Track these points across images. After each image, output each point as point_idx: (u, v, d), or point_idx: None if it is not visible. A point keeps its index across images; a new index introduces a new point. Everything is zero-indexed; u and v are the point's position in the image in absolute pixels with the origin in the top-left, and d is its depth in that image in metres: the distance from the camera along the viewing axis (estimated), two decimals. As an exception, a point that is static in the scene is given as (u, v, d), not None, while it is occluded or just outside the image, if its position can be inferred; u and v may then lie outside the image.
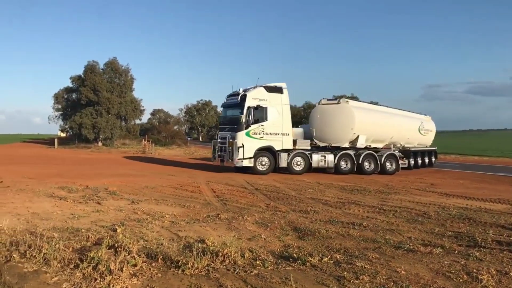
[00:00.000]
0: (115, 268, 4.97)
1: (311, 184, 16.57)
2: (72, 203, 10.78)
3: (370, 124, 23.01)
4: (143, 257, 5.60)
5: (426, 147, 28.71)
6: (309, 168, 21.38)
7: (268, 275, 5.34)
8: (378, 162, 22.60)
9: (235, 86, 22.40)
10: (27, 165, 23.16)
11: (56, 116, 60.15)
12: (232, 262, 5.74)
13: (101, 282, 4.73)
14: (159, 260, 5.64)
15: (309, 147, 22.00)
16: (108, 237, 6.42)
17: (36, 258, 5.31)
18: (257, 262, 5.84)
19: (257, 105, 20.18)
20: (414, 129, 27.06)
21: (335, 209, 10.85)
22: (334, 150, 22.21)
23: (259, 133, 20.28)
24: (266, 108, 20.31)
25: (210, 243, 6.33)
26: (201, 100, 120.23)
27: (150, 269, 5.30)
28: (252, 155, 20.12)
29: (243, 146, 19.86)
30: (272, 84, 21.07)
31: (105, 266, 4.98)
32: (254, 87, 20.97)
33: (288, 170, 20.99)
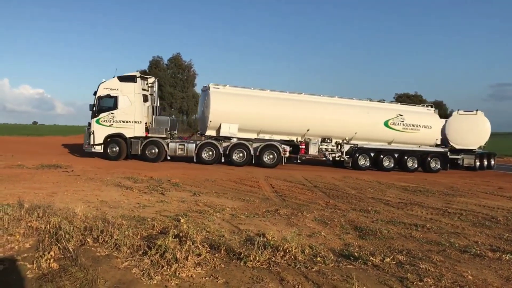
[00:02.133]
0: (181, 257, 5.16)
1: (371, 184, 16.25)
2: (138, 193, 11.26)
3: (239, 112, 21.33)
4: (207, 248, 5.77)
5: (419, 146, 23.95)
6: (165, 157, 21.39)
7: (329, 272, 5.34)
8: (253, 154, 21.21)
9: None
10: (95, 155, 24.29)
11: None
12: (292, 257, 5.78)
13: (168, 270, 4.92)
14: (222, 251, 5.78)
15: (164, 135, 21.68)
16: (173, 227, 6.67)
17: (108, 243, 5.62)
18: (318, 258, 5.84)
19: (107, 94, 21.06)
20: (372, 123, 23.12)
21: (397, 210, 10.60)
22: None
23: (108, 121, 21.10)
24: (116, 97, 21.01)
25: (270, 238, 6.40)
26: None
27: (213, 259, 5.46)
28: (101, 142, 21.08)
29: (93, 133, 21.05)
30: (126, 74, 21.57)
31: (172, 254, 5.18)
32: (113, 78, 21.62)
33: (142, 158, 21.28)
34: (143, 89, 21.98)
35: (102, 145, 21.21)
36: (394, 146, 23.57)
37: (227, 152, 21.33)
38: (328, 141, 22.85)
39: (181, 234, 6.10)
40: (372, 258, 5.99)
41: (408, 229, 8.32)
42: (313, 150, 22.23)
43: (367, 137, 23.15)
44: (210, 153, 21.44)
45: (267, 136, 22.14)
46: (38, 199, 9.04)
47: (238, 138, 21.67)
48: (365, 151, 22.88)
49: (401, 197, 12.94)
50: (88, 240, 5.73)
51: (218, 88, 21.88)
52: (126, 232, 5.97)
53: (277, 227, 8.04)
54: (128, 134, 21.24)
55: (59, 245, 5.34)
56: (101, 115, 21.14)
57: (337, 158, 23.03)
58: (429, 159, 23.65)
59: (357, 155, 22.68)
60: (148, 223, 7.33)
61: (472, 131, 25.18)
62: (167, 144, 21.49)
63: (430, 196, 13.39)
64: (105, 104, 21.22)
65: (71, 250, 5.23)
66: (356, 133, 22.85)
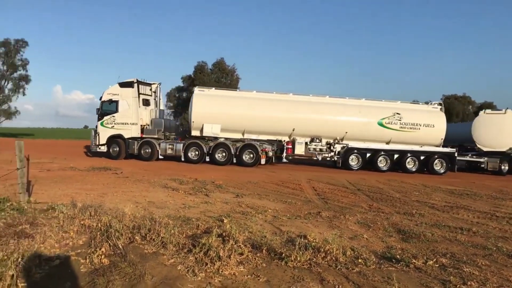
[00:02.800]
0: (224, 255, 5.32)
1: (417, 187, 15.95)
2: (183, 194, 11.60)
3: (221, 113, 22.41)
4: (249, 247, 5.91)
5: (421, 146, 22.67)
6: (158, 156, 23.24)
7: (370, 273, 5.35)
8: (233, 153, 22.08)
9: None
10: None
11: (168, 113, 64.36)
12: (333, 258, 5.81)
13: (212, 267, 5.10)
14: (264, 251, 5.91)
15: (156, 136, 23.51)
16: (216, 227, 6.86)
17: (155, 241, 5.87)
18: (359, 260, 5.85)
19: (109, 99, 23.47)
20: (365, 123, 22.58)
21: (442, 213, 10.39)
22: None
23: (110, 123, 23.43)
24: (117, 101, 23.33)
25: (312, 239, 6.47)
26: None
27: (255, 258, 5.59)
28: (104, 142, 23.52)
29: (98, 134, 23.60)
30: (125, 80, 23.54)
31: (215, 253, 5.36)
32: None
33: (138, 157, 23.27)
34: (144, 94, 24.15)
35: (106, 145, 23.66)
36: (392, 146, 22.65)
37: (210, 152, 22.39)
38: (318, 141, 22.88)
39: (224, 234, 6.27)
40: (415, 261, 5.94)
41: (453, 233, 8.16)
42: (299, 150, 22.59)
43: (359, 137, 22.69)
44: (196, 152, 22.74)
45: (253, 136, 22.91)
46: (89, 199, 9.49)
47: (225, 138, 22.80)
48: (357, 151, 22.47)
49: (447, 200, 12.64)
50: (137, 238, 6.01)
51: (203, 91, 23.68)
52: (172, 231, 6.21)
53: (319, 229, 8.08)
54: (126, 135, 23.44)
55: (109, 242, 5.65)
56: (105, 118, 23.56)
57: (328, 158, 23.01)
58: (434, 160, 22.48)
59: (348, 155, 22.37)
60: (193, 223, 7.57)
61: (501, 131, 23.56)
62: (159, 144, 23.28)
63: (478, 200, 13.01)
64: (108, 108, 23.63)
65: (120, 247, 5.51)
66: (346, 132, 22.52)
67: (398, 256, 6.21)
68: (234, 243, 5.76)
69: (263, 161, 22.23)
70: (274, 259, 5.69)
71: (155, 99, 24.80)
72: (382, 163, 22.41)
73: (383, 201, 12.10)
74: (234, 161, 22.21)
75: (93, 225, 6.34)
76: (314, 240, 6.39)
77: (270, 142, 22.95)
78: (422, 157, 22.55)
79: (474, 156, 24.14)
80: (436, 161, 22.53)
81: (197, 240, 5.93)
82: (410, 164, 22.44)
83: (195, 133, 23.10)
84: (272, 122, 22.50)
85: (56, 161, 20.44)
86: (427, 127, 22.53)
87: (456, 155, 22.75)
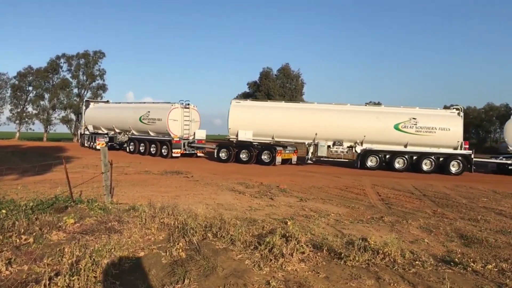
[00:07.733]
0: (287, 253, 5.82)
1: (486, 193, 15.54)
2: (249, 197, 12.25)
3: (97, 118, 37.65)
4: (310, 247, 6.36)
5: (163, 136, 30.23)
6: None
7: (426, 274, 5.61)
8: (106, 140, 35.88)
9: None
10: (211, 163, 26.17)
11: (234, 119, 66.04)
12: (392, 260, 6.10)
13: (275, 263, 5.62)
14: (324, 250, 6.33)
15: (88, 133, 38.97)
16: (280, 228, 7.37)
17: (224, 238, 6.50)
18: (417, 262, 6.10)
19: (82, 111, 41.39)
20: (134, 118, 32.53)
21: (510, 220, 10.22)
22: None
23: (81, 124, 41.55)
24: (82, 112, 41.14)
25: (372, 242, 6.77)
26: (370, 102, 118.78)
27: (316, 257, 6.04)
28: (79, 137, 43.87)
29: (79, 131, 44.23)
30: (85, 99, 46.03)
31: (279, 250, 5.88)
32: None
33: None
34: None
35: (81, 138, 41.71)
36: (145, 135, 32.90)
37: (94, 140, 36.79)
38: (119, 131, 35.54)
39: (287, 234, 6.75)
40: (473, 264, 6.09)
41: (519, 240, 8.10)
42: (119, 139, 35.35)
43: (127, 128, 33.94)
44: (91, 142, 37.20)
45: (113, 132, 36.04)
46: (164, 200, 10.36)
47: (102, 133, 36.99)
48: (133, 140, 33.16)
49: (517, 207, 12.31)
50: (209, 235, 6.67)
51: (91, 104, 40.60)
52: (240, 230, 6.81)
53: (380, 233, 8.35)
54: (83, 132, 40.56)
55: (185, 238, 6.36)
56: (82, 121, 41.34)
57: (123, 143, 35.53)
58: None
59: (132, 141, 33.52)
60: (258, 224, 8.12)
61: None
62: (93, 138, 37.56)
63: (552, 208, 12.51)
64: (82, 116, 40.64)
65: (195, 242, 6.19)
66: (129, 126, 33.46)
67: (457, 260, 6.38)
68: (296, 243, 6.23)
69: (98, 146, 33.15)
70: (334, 258, 6.09)
71: None
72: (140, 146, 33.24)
73: (448, 207, 12.04)
74: (95, 146, 35.03)
75: (171, 223, 7.09)
76: (374, 243, 6.68)
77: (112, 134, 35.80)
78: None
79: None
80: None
81: (263, 239, 6.47)
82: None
83: (90, 130, 38.70)
84: (111, 121, 35.52)
85: (132, 165, 21.89)
86: (158, 121, 30.89)
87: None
